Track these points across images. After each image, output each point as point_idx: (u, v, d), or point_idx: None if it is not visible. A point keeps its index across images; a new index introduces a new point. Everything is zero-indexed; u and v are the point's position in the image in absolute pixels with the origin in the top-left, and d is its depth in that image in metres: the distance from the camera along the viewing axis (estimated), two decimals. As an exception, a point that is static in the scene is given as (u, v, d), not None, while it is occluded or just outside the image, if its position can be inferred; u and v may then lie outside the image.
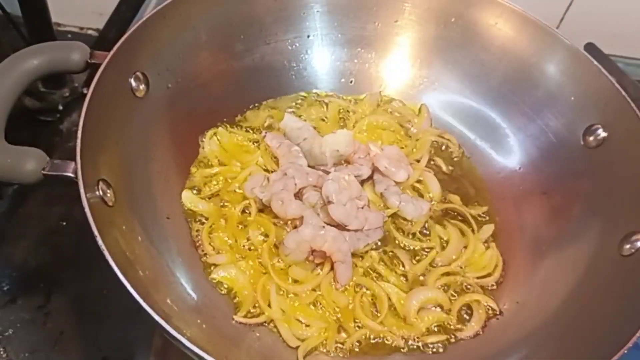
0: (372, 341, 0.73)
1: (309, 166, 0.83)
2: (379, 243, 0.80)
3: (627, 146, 0.78)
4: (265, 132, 0.88)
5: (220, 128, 0.87)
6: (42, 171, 0.62)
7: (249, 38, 0.90)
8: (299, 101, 0.94)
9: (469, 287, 0.79)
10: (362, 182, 0.84)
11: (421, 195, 0.86)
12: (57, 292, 0.84)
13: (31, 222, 0.91)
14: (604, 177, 0.79)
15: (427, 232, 0.82)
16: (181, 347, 0.54)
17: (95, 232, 0.56)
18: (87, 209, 0.58)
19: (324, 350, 0.71)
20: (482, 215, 0.86)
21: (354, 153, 0.85)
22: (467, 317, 0.76)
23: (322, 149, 0.83)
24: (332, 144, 0.83)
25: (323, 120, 0.93)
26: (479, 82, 0.93)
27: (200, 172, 0.83)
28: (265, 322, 0.72)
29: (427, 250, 0.81)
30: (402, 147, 0.90)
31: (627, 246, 0.72)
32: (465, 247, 0.82)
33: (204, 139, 0.85)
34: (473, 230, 0.84)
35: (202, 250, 0.76)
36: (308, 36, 0.94)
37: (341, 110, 0.94)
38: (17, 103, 0.67)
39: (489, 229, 0.84)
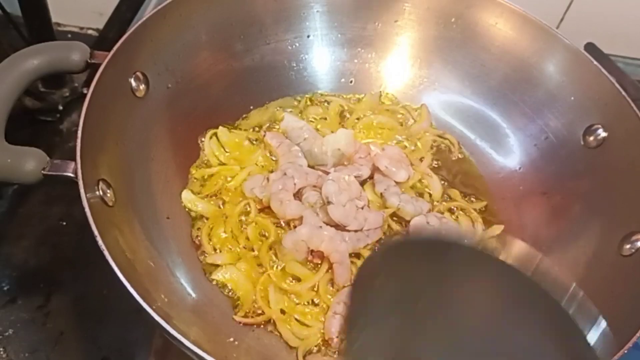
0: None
1: (309, 166, 0.83)
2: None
3: (627, 146, 0.77)
4: (265, 132, 0.88)
5: (220, 128, 0.86)
6: (42, 171, 0.62)
7: (249, 38, 0.90)
8: (299, 101, 0.94)
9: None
10: (362, 182, 0.84)
11: (421, 195, 0.86)
12: (57, 292, 0.84)
13: (31, 222, 0.91)
14: (604, 177, 0.79)
15: (427, 232, 0.83)
16: (181, 347, 0.54)
17: (95, 232, 0.56)
18: (87, 209, 0.58)
19: (324, 350, 0.71)
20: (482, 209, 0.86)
21: (355, 153, 0.85)
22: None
23: (324, 149, 0.83)
24: (334, 143, 0.83)
25: (322, 120, 0.93)
26: (479, 82, 0.92)
27: (200, 172, 0.83)
28: (265, 322, 0.72)
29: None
30: (403, 148, 0.90)
31: (627, 246, 0.72)
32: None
33: (203, 139, 0.85)
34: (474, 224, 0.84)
35: (202, 250, 0.76)
36: (308, 36, 0.94)
37: (341, 110, 0.94)
38: (17, 103, 0.67)
39: (497, 229, 0.84)
